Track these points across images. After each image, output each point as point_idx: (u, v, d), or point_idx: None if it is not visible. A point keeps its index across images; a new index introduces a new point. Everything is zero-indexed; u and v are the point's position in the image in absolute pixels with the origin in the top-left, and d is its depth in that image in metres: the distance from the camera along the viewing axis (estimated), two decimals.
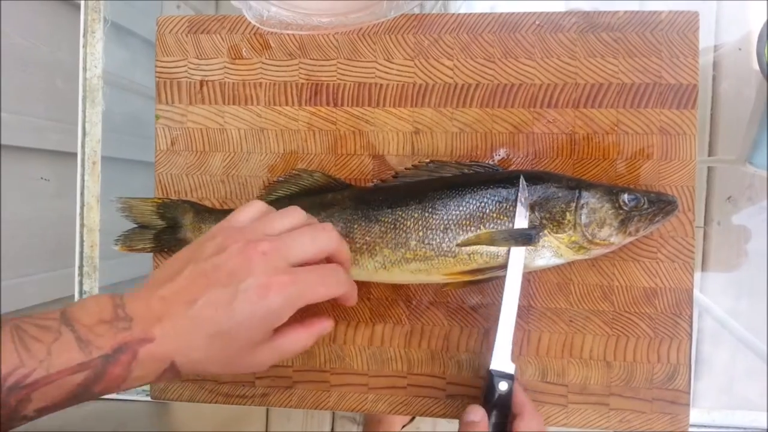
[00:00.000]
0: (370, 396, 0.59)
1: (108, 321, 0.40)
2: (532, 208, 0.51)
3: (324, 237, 0.45)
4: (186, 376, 0.43)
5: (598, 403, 0.56)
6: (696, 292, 0.86)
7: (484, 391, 0.51)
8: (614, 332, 0.55)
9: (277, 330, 0.43)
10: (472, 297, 0.57)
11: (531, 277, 0.56)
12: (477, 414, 0.48)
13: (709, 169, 1.12)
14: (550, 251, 0.52)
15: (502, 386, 0.49)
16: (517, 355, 0.57)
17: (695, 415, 0.60)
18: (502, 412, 0.49)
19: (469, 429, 0.47)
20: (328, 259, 0.46)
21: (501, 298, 0.52)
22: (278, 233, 0.44)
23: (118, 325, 0.40)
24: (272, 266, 0.42)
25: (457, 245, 0.52)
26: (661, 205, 0.51)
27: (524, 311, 0.56)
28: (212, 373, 0.44)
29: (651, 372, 0.55)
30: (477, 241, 0.51)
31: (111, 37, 0.69)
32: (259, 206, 0.47)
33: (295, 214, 0.46)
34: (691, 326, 0.55)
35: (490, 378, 0.50)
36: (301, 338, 0.45)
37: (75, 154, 0.67)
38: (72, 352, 0.38)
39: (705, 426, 0.60)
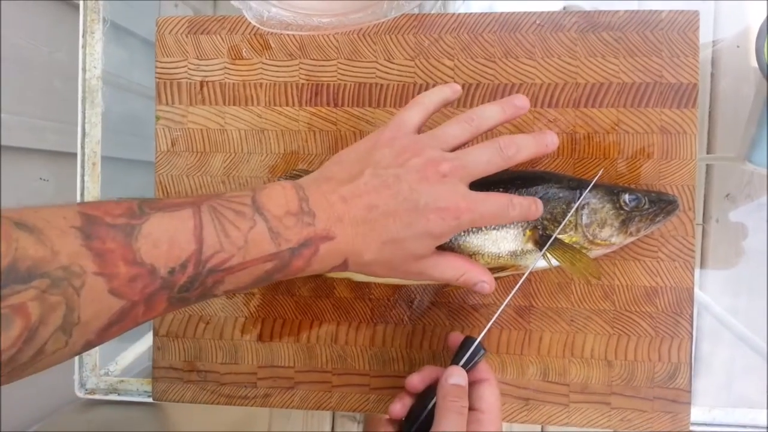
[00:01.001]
0: (372, 396, 0.59)
1: (294, 213, 0.41)
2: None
3: (498, 158, 0.46)
4: (352, 271, 0.45)
5: (599, 402, 0.56)
6: (695, 289, 0.87)
7: (455, 354, 0.49)
8: (615, 331, 0.56)
9: (439, 247, 0.46)
10: (474, 297, 0.57)
11: (532, 277, 0.56)
12: (463, 378, 0.47)
13: (708, 166, 1.12)
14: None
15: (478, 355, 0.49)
16: (518, 355, 0.57)
17: (696, 414, 0.60)
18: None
19: (462, 396, 0.46)
20: None
21: (503, 298, 0.52)
22: (453, 147, 0.46)
23: (303, 219, 0.41)
24: (451, 189, 0.43)
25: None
26: (662, 205, 0.51)
27: (525, 311, 0.57)
28: (375, 273, 0.46)
29: (652, 371, 0.55)
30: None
31: (110, 37, 0.69)
32: (426, 107, 0.48)
33: (467, 129, 0.47)
34: (692, 325, 0.55)
35: (465, 344, 0.49)
36: (457, 266, 0.47)
37: (74, 154, 0.67)
38: (265, 242, 0.40)
39: (706, 424, 0.60)
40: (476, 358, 0.48)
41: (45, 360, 0.34)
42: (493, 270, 0.52)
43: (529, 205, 0.47)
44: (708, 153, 1.12)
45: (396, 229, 0.42)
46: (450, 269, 0.47)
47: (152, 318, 0.39)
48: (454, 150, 0.46)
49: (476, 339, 0.48)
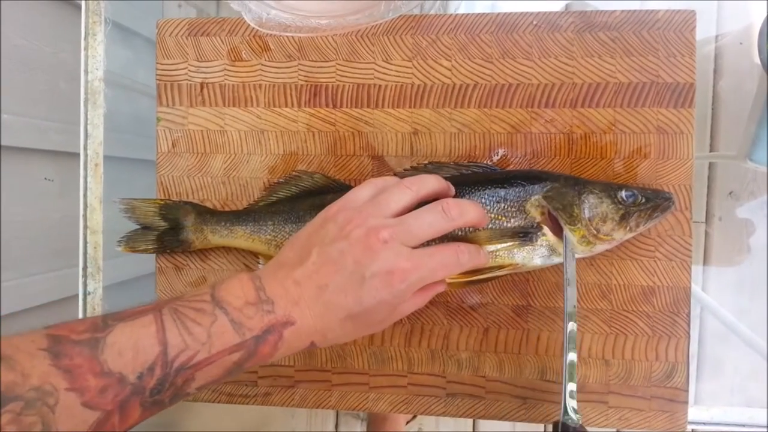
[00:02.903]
0: (371, 395, 0.59)
1: (253, 303, 0.42)
2: (542, 204, 0.52)
3: (442, 220, 0.46)
4: (323, 346, 0.47)
5: (597, 401, 0.56)
6: (697, 289, 0.87)
7: None
8: (613, 331, 0.56)
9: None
10: (472, 296, 0.58)
11: (530, 277, 0.57)
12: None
13: (711, 164, 1.12)
14: (549, 249, 0.52)
15: None
16: (516, 354, 0.57)
17: (694, 413, 0.60)
18: None
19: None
20: None
21: (500, 297, 0.52)
22: (396, 213, 0.47)
23: (263, 307, 0.42)
24: (394, 253, 0.44)
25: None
26: (657, 201, 0.52)
27: (523, 310, 0.57)
28: (344, 341, 0.47)
29: (649, 370, 0.55)
30: (475, 240, 0.51)
31: (114, 37, 0.69)
32: (375, 184, 0.49)
33: (407, 193, 0.48)
34: (689, 324, 0.55)
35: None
36: (417, 303, 0.48)
37: (78, 154, 0.68)
38: (227, 334, 0.41)
39: (704, 423, 0.61)
40: None
41: None
42: (492, 269, 0.53)
43: (477, 249, 0.49)
44: (711, 151, 1.12)
45: (349, 305, 0.44)
46: (411, 307, 0.48)
47: (130, 427, 0.40)
48: (398, 215, 0.47)
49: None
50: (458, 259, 0.47)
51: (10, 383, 0.34)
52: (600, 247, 0.53)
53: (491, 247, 0.52)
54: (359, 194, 0.48)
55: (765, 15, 0.64)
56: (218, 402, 0.61)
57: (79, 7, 0.69)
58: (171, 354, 0.39)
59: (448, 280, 0.54)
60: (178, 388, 0.40)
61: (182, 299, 0.42)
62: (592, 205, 0.51)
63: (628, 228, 0.52)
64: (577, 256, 0.53)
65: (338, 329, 0.45)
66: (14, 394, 0.34)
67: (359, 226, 0.45)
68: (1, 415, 0.34)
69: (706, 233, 1.15)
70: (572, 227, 0.51)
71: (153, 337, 0.39)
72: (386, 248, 0.44)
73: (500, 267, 0.53)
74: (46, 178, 1.00)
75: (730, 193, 1.15)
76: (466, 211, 0.47)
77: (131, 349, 0.38)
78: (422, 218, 0.46)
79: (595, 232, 0.51)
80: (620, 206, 0.51)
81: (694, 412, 0.59)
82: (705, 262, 1.14)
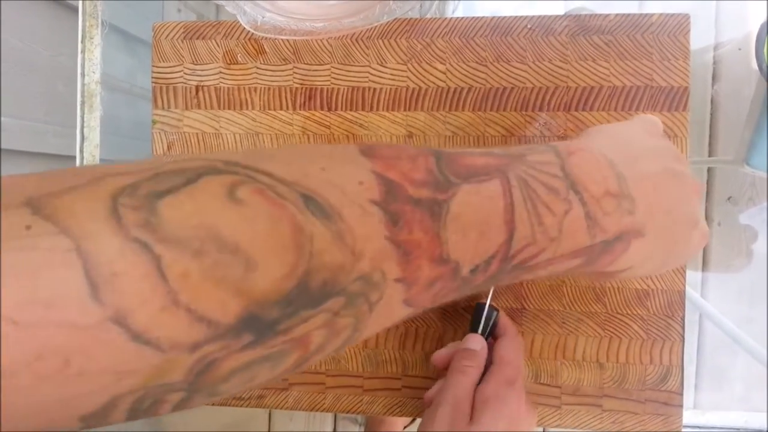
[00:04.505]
0: (365, 398, 0.59)
1: (614, 195, 0.31)
2: None
3: None
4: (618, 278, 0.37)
5: (591, 405, 0.56)
6: (697, 296, 0.87)
7: (471, 322, 0.52)
8: (607, 334, 0.56)
9: None
10: (465, 299, 0.57)
11: (523, 280, 0.57)
12: (477, 343, 0.49)
13: (709, 169, 1.12)
14: None
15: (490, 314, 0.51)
16: None
17: (689, 417, 0.60)
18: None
19: (471, 356, 0.48)
20: None
21: (493, 300, 0.52)
22: None
23: (623, 204, 0.31)
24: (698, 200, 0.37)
25: None
26: None
27: (517, 313, 0.57)
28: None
29: (644, 373, 0.55)
30: None
31: (115, 42, 0.70)
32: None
33: None
34: (683, 328, 0.55)
35: (477, 310, 0.51)
36: (703, 235, 0.39)
37: (74, 158, 0.68)
38: (580, 233, 0.30)
39: (699, 427, 0.60)
40: (491, 321, 0.51)
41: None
42: None
43: None
44: (710, 156, 1.12)
45: (680, 239, 0.35)
46: (700, 242, 0.38)
47: None
48: None
49: (485, 303, 0.51)
50: None
51: (337, 268, 0.22)
52: None
53: None
54: None
55: (762, 20, 0.64)
56: (211, 404, 0.61)
57: (77, 10, 0.69)
58: (515, 247, 0.28)
59: None
60: (474, 286, 0.29)
61: (526, 162, 0.30)
62: None
63: None
64: None
65: (654, 263, 0.35)
66: (339, 288, 0.22)
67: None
68: (314, 316, 0.22)
69: None
70: None
71: (500, 216, 0.27)
72: (696, 194, 0.37)
73: None
74: None
75: (729, 198, 1.15)
76: None
77: (476, 230, 0.27)
78: None
79: None
80: None
81: (689, 416, 0.59)
82: (704, 267, 1.14)
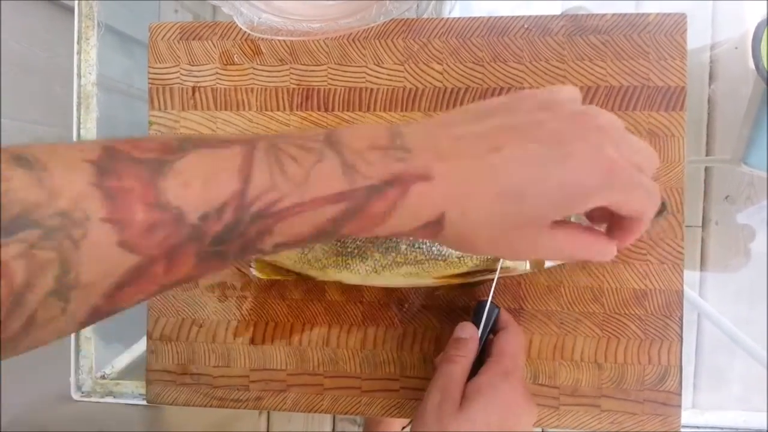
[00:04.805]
0: (363, 399, 0.59)
1: (382, 148, 0.32)
2: None
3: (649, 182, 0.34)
4: (445, 241, 0.34)
5: (589, 405, 0.56)
6: (695, 296, 0.86)
7: (472, 316, 0.52)
8: (605, 334, 0.56)
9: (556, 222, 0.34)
10: (463, 299, 0.57)
11: (522, 280, 0.57)
12: (466, 331, 0.49)
13: (707, 168, 1.12)
14: None
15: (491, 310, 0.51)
16: None
17: (688, 417, 0.60)
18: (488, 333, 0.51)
19: (460, 346, 0.48)
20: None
21: (497, 300, 0.52)
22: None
23: (393, 154, 0.31)
24: (608, 140, 0.32)
25: None
26: None
27: (515, 314, 0.57)
28: (475, 246, 0.34)
29: (642, 373, 0.55)
30: None
31: (112, 43, 0.69)
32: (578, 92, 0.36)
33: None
34: (681, 328, 0.55)
35: (478, 308, 0.51)
36: (587, 243, 0.35)
37: None
38: (333, 178, 0.30)
39: (698, 427, 0.60)
40: (492, 318, 0.51)
41: (40, 332, 0.28)
42: (483, 272, 0.53)
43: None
44: (707, 155, 1.12)
45: (524, 177, 0.31)
46: (575, 246, 0.35)
47: (179, 280, 0.31)
48: None
49: (486, 301, 0.50)
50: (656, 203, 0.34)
51: (31, 204, 0.26)
52: None
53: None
54: (560, 94, 0.35)
55: (759, 20, 0.64)
56: (210, 406, 0.61)
57: (73, 11, 0.69)
58: (251, 194, 0.29)
59: (439, 283, 0.54)
60: (249, 241, 0.30)
61: (290, 136, 0.32)
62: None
63: None
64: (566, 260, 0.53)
65: (486, 208, 0.32)
66: (31, 218, 0.25)
67: (565, 110, 0.33)
68: (6, 245, 0.25)
69: (702, 238, 1.14)
70: None
71: (234, 170, 0.29)
72: (600, 133, 0.32)
73: (491, 271, 0.53)
74: None
75: (727, 197, 1.15)
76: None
77: (201, 180, 0.29)
78: (642, 147, 0.34)
79: None
80: None
81: (688, 416, 0.59)
82: (702, 267, 1.14)
